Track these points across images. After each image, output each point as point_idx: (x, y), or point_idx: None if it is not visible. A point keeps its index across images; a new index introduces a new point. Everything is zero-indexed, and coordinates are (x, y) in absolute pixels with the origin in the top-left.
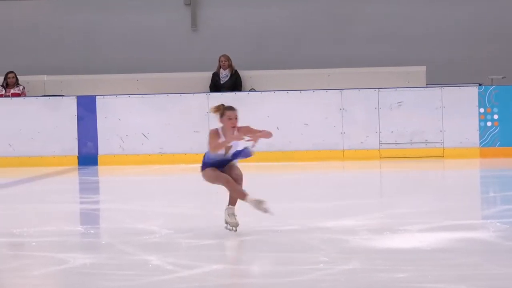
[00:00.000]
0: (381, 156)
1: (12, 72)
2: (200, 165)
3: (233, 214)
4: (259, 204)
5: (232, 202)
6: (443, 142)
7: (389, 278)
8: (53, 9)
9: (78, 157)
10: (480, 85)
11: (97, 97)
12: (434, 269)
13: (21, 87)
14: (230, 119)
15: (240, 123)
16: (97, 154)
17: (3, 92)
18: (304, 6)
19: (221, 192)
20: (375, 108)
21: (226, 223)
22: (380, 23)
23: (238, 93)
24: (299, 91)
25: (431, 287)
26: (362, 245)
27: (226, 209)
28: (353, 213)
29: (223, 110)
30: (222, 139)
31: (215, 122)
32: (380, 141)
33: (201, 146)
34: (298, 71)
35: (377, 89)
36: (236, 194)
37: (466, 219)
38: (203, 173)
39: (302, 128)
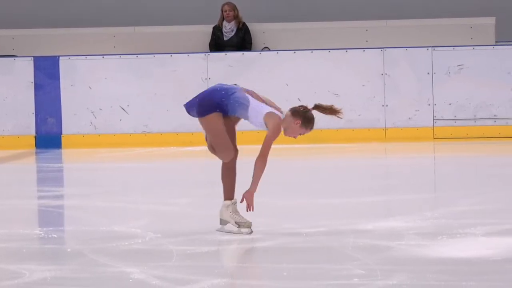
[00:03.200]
0: (435, 137)
1: None
2: None
3: (237, 211)
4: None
5: (232, 194)
6: None
7: None
8: None
9: (35, 137)
10: None
11: (60, 58)
12: (506, 285)
13: None
14: (300, 134)
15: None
16: (61, 133)
17: None
18: None
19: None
20: (428, 73)
21: (237, 224)
22: None
23: (246, 53)
24: (327, 50)
25: None
26: (410, 253)
27: (229, 205)
28: (398, 212)
29: (310, 120)
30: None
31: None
32: (434, 116)
33: (197, 122)
34: (326, 24)
35: (430, 48)
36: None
37: None
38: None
39: (332, 99)
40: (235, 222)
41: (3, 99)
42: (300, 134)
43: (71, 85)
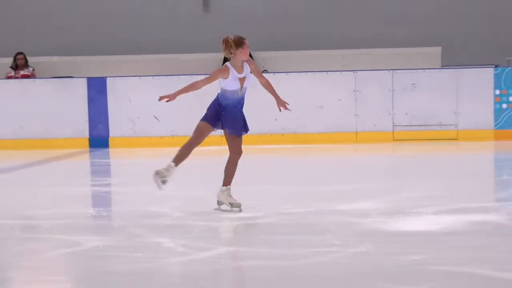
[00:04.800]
0: (394, 139)
1: (21, 53)
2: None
3: (231, 195)
4: (157, 176)
5: (229, 182)
6: (457, 125)
7: (402, 261)
8: None
9: (89, 139)
10: (496, 66)
11: (107, 78)
12: (447, 251)
13: (30, 69)
14: (248, 46)
15: (252, 107)
16: (108, 136)
17: (13, 73)
18: None
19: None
20: (389, 90)
21: (230, 204)
22: (394, 2)
23: (250, 75)
24: (312, 73)
25: (444, 269)
26: (375, 227)
27: (224, 190)
28: (366, 196)
29: (241, 39)
30: (234, 74)
31: None
32: (393, 123)
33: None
34: (312, 52)
35: (391, 71)
36: (182, 157)
37: (479, 202)
38: (234, 141)
39: (316, 110)
40: (229, 203)
41: (64, 110)
42: (248, 48)
43: (115, 99)
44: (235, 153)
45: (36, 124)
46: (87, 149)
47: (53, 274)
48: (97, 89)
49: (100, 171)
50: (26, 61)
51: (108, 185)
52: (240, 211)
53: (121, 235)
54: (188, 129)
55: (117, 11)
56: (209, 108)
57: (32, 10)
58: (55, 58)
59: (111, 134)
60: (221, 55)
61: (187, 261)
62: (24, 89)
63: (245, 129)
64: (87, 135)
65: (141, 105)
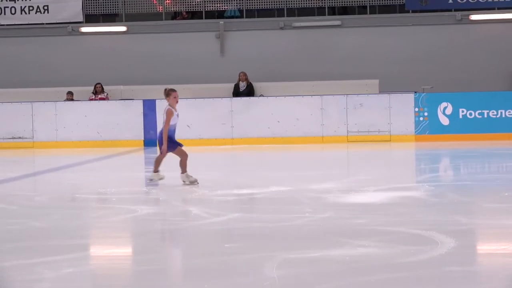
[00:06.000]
0: (348, 141)
1: (99, 83)
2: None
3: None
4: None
5: (185, 170)
6: (390, 131)
7: (353, 223)
8: (128, 40)
9: (143, 141)
10: (415, 92)
11: (156, 100)
12: (383, 217)
13: (105, 94)
14: (175, 97)
15: (253, 119)
16: (156, 139)
17: (93, 97)
18: (297, 38)
19: (239, 164)
20: (344, 108)
21: (191, 182)
22: (348, 49)
23: (252, 98)
24: (293, 96)
25: (381, 229)
26: (335, 200)
27: (186, 174)
28: (329, 179)
29: (169, 91)
30: (176, 112)
31: (238, 117)
32: (347, 130)
33: (226, 133)
34: (293, 83)
35: (345, 95)
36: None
37: (405, 183)
38: (178, 151)
39: (295, 121)
40: (189, 181)
41: (127, 121)
42: (177, 98)
43: (162, 115)
44: (185, 156)
45: (109, 131)
46: (142, 147)
47: (119, 232)
48: (149, 107)
49: (151, 163)
50: (102, 88)
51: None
52: (198, 183)
53: (165, 205)
54: (210, 134)
55: (164, 54)
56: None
57: (108, 52)
58: (122, 87)
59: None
60: (231, 85)
61: (208, 223)
62: (101, 107)
63: (180, 144)
64: (142, 138)
65: (179, 117)
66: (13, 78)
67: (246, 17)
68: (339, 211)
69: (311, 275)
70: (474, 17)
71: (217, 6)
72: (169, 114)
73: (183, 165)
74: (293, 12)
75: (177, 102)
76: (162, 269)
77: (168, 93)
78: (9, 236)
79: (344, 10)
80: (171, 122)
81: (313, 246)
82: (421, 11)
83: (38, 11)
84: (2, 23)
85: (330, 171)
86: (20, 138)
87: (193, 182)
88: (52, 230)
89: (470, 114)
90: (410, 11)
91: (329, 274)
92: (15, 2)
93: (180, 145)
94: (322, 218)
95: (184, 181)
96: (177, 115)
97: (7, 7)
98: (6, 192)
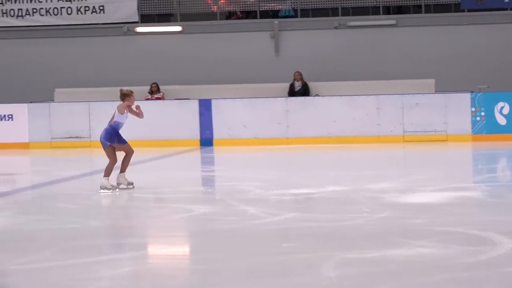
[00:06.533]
0: (404, 140)
1: (155, 83)
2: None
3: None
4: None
5: (124, 170)
6: (446, 131)
7: (410, 223)
8: (183, 40)
9: (200, 140)
10: (472, 92)
11: (212, 100)
12: (440, 217)
13: (161, 93)
14: (133, 98)
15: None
16: (212, 138)
17: (149, 96)
18: (351, 37)
19: (295, 164)
20: (400, 107)
21: (124, 185)
22: (403, 49)
23: (307, 97)
24: (349, 96)
25: (439, 229)
26: (392, 200)
27: (124, 175)
28: (386, 178)
29: (131, 93)
30: (126, 113)
31: (293, 117)
32: (403, 130)
33: (282, 133)
34: (348, 82)
35: (401, 95)
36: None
37: (462, 183)
38: (124, 145)
39: (351, 121)
40: (127, 183)
41: (183, 121)
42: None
43: (218, 114)
44: (131, 152)
45: (165, 131)
46: (198, 147)
47: (176, 231)
48: (205, 107)
49: (207, 162)
50: (158, 88)
51: (212, 171)
52: (133, 187)
53: (221, 205)
54: (266, 133)
55: (221, 55)
56: (110, 136)
57: (163, 54)
58: (177, 86)
59: (214, 137)
60: (287, 85)
61: (265, 222)
62: (157, 107)
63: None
64: (198, 137)
65: (234, 117)
66: (70, 78)
67: (301, 17)
68: (396, 211)
69: (368, 276)
70: None
71: (272, 6)
72: (123, 106)
73: (125, 164)
74: (347, 11)
75: (132, 103)
76: (218, 268)
77: (130, 94)
78: (68, 235)
79: (399, 9)
80: (121, 120)
81: (370, 246)
82: (476, 10)
83: (94, 11)
84: (58, 24)
85: (386, 171)
86: (77, 137)
87: (130, 184)
88: (110, 228)
89: None
90: (466, 10)
91: (386, 274)
92: (71, 3)
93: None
94: (380, 218)
95: (119, 183)
96: (126, 116)
97: (64, 7)
98: (65, 191)
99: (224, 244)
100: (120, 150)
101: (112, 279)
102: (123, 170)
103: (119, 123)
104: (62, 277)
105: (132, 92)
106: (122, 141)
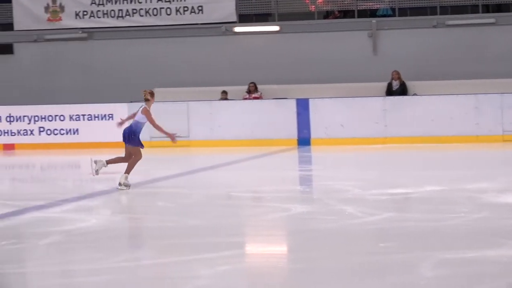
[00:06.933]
0: (503, 140)
1: (252, 82)
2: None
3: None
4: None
5: (129, 171)
6: None
7: (509, 223)
8: (281, 39)
9: (297, 140)
10: None
11: (309, 99)
12: None
13: (259, 93)
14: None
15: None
16: (310, 137)
17: (247, 96)
18: (450, 36)
19: (393, 164)
20: (499, 107)
21: (126, 186)
22: (502, 47)
23: (405, 97)
24: (447, 95)
25: None
26: (491, 200)
27: (126, 176)
28: (484, 178)
29: (152, 94)
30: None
31: (391, 116)
32: (503, 129)
33: (379, 132)
34: (446, 82)
35: (501, 94)
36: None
37: None
38: (134, 148)
39: (449, 120)
40: (125, 185)
41: (280, 120)
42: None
43: (315, 113)
44: (139, 158)
45: (262, 130)
46: (296, 146)
47: (273, 230)
48: (302, 106)
49: (304, 161)
50: (256, 87)
51: (310, 170)
52: (129, 189)
53: (318, 204)
54: (363, 133)
55: (316, 54)
56: (125, 135)
57: (260, 52)
58: (275, 86)
59: (312, 136)
60: (384, 84)
61: (363, 222)
62: (255, 106)
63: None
64: (296, 137)
65: (331, 117)
66: (168, 78)
67: (399, 16)
68: (495, 211)
69: (466, 276)
70: None
71: (369, 5)
72: (149, 113)
73: (131, 166)
74: (446, 10)
75: (150, 107)
76: (316, 267)
77: (149, 98)
78: (167, 233)
79: (498, 8)
80: (142, 121)
81: (469, 246)
82: None
83: (193, 12)
84: (157, 24)
85: (484, 170)
86: (176, 136)
87: (128, 186)
88: (207, 227)
89: None
90: None
91: (485, 275)
92: (170, 3)
93: (142, 146)
94: (478, 218)
95: (120, 183)
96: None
97: (163, 8)
98: (163, 190)
99: (321, 243)
100: (129, 151)
101: (210, 278)
102: (128, 171)
103: (138, 122)
104: (160, 275)
105: (151, 95)
106: (134, 143)
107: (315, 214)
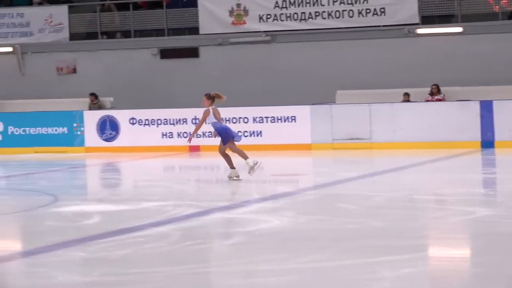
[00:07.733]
0: None
1: (435, 84)
2: None
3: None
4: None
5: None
6: None
7: None
8: (464, 41)
9: (480, 142)
10: None
11: (493, 101)
12: None
13: (442, 95)
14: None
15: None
16: (494, 140)
17: (430, 98)
18: None
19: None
20: None
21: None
22: None
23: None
24: None
25: None
26: None
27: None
28: None
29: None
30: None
31: None
32: None
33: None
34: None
35: None
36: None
37: None
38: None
39: None
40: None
41: (463, 123)
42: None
43: (499, 115)
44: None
45: (445, 132)
46: (479, 149)
47: (457, 233)
48: (486, 108)
49: (488, 164)
50: (439, 89)
51: (493, 173)
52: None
53: (502, 207)
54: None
55: (499, 56)
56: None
57: (442, 54)
58: (458, 88)
59: (496, 139)
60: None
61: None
62: (437, 108)
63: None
64: (479, 139)
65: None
66: (351, 80)
67: None
68: None
69: None
70: None
71: None
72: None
73: (240, 152)
74: None
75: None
76: (498, 273)
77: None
78: (349, 235)
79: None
80: (211, 121)
81: None
82: None
83: (375, 14)
84: (340, 26)
85: None
86: (358, 139)
87: (255, 164)
88: (390, 230)
89: None
90: None
91: None
92: (352, 5)
93: (234, 137)
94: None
95: (251, 166)
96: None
97: (345, 10)
98: (345, 192)
99: (504, 248)
100: (229, 146)
101: (393, 280)
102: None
103: (211, 123)
104: (342, 276)
105: (206, 98)
106: (226, 139)
107: (499, 217)
